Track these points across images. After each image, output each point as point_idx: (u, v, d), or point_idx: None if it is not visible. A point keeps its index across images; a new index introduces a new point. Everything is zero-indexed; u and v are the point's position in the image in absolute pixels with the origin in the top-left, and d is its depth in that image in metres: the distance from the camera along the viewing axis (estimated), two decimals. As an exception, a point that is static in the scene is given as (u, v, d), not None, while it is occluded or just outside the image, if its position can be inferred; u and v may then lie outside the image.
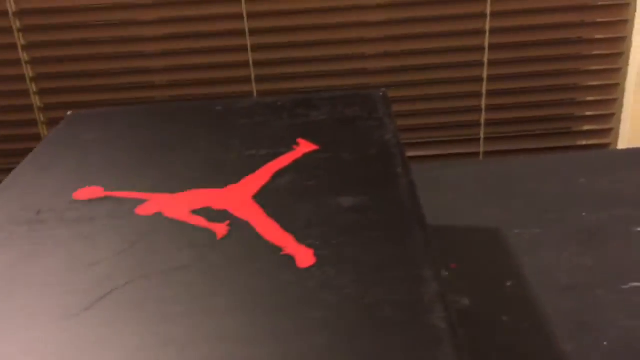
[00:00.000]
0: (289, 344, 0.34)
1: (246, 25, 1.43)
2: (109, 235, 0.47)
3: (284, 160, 0.55)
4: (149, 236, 0.46)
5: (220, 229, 0.46)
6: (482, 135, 1.47)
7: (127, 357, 0.34)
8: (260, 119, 0.66)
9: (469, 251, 0.69)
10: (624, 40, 1.42)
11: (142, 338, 0.36)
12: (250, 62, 1.45)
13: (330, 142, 0.58)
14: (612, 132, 1.49)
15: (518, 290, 0.63)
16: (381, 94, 0.70)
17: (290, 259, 0.41)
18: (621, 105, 1.47)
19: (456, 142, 1.50)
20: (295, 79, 1.48)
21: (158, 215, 0.49)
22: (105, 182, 0.55)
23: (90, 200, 0.52)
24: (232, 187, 0.51)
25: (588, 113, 1.50)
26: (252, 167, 0.55)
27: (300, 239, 0.43)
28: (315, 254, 0.41)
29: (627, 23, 1.40)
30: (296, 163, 0.55)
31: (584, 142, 1.53)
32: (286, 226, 0.45)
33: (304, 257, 0.41)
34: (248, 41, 1.44)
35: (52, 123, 1.58)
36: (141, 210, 0.49)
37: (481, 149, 1.49)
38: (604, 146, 1.51)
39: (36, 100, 1.56)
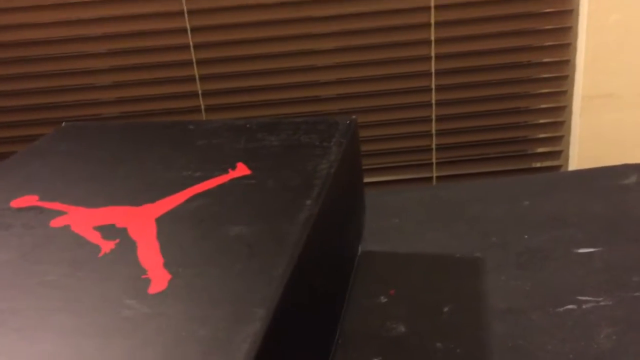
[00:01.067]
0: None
1: (193, 55, 1.42)
2: (10, 244, 0.47)
3: (209, 184, 0.55)
4: (41, 248, 0.46)
5: (106, 246, 0.46)
6: (434, 160, 1.47)
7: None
8: (217, 141, 0.65)
9: (409, 276, 0.68)
10: (567, 63, 1.44)
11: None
12: (199, 92, 1.45)
13: (265, 168, 0.57)
14: (562, 154, 1.51)
15: (455, 315, 0.61)
16: (348, 122, 0.68)
17: (147, 283, 0.41)
18: (569, 127, 1.49)
19: (409, 167, 1.50)
20: (245, 108, 1.47)
21: (66, 228, 0.49)
22: (44, 192, 0.56)
23: (20, 209, 0.53)
24: (145, 207, 0.51)
25: (540, 135, 1.52)
26: (179, 188, 0.54)
27: (169, 264, 0.43)
28: (170, 282, 0.41)
29: (569, 46, 1.43)
30: (218, 188, 0.54)
31: (538, 164, 1.55)
32: (165, 250, 0.44)
33: (158, 283, 0.40)
34: (196, 71, 1.43)
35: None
36: (55, 223, 0.50)
37: (434, 174, 1.49)
38: (556, 168, 1.52)
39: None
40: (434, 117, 1.42)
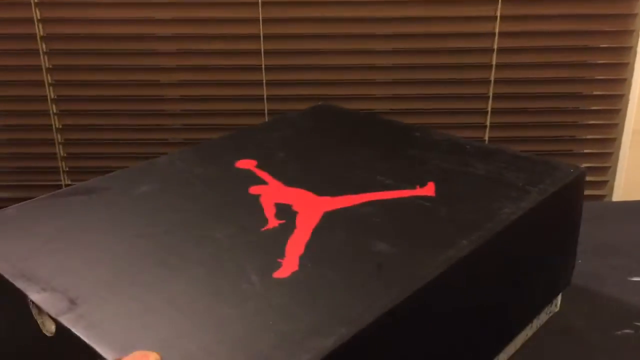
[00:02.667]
0: (195, 320, 0.38)
1: (264, 76, 1.47)
2: (210, 197, 0.53)
3: (389, 195, 0.55)
4: (226, 207, 0.52)
5: (272, 223, 0.49)
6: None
7: (115, 273, 0.42)
8: (428, 155, 0.63)
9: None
10: (621, 97, 1.44)
11: (142, 267, 0.43)
12: (266, 111, 1.49)
13: (451, 195, 0.55)
14: (607, 184, 1.51)
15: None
16: (571, 170, 0.60)
17: (277, 267, 0.43)
18: (617, 159, 1.49)
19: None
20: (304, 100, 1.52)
21: (256, 196, 0.54)
22: (264, 160, 0.61)
23: (239, 170, 0.59)
24: (324, 199, 0.54)
25: (586, 165, 1.52)
26: (363, 190, 0.55)
27: (303, 257, 0.45)
28: (294, 273, 0.43)
29: (624, 82, 1.42)
30: (395, 201, 0.54)
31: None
32: (311, 244, 0.47)
33: (285, 270, 0.43)
34: (265, 91, 1.48)
35: (68, 143, 1.60)
36: (252, 190, 0.55)
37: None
38: (600, 197, 1.52)
39: (55, 121, 1.58)
40: (487, 139, 1.44)
